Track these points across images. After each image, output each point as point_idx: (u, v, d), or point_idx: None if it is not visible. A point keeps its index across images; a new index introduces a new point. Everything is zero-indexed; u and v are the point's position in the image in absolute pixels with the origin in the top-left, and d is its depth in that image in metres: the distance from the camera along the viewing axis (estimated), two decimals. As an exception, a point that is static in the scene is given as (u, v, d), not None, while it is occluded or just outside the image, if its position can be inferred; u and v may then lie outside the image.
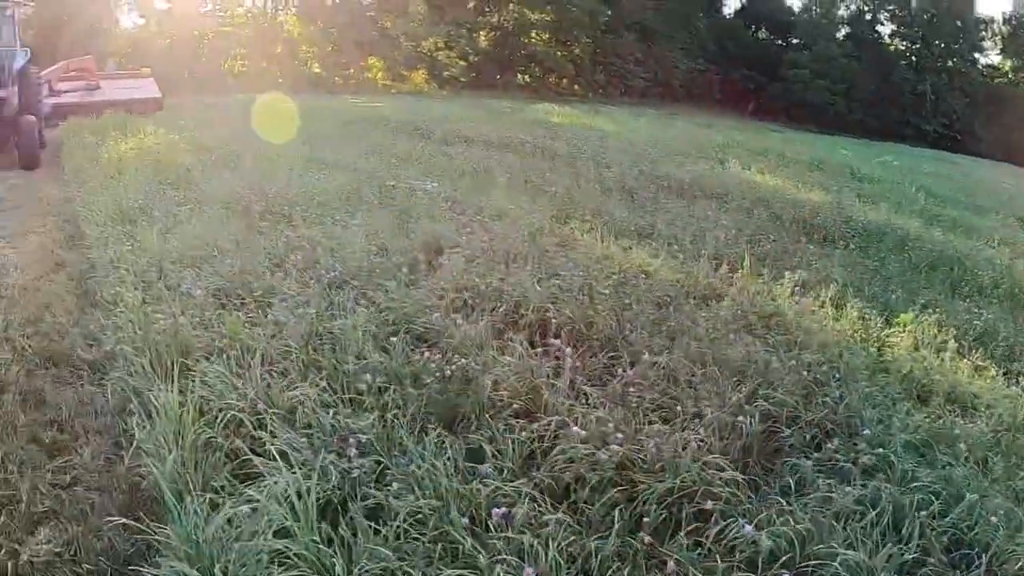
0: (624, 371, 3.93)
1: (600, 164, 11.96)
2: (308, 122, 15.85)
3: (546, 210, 7.92)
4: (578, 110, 25.86)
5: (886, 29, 47.08)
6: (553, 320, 4.54)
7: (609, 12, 41.10)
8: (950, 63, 44.94)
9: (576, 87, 42.45)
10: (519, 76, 41.61)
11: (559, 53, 41.27)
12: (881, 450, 3.42)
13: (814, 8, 46.64)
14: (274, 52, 35.53)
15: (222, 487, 2.98)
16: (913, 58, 45.32)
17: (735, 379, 4.00)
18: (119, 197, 7.61)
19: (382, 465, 3.09)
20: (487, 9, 41.02)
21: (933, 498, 3.14)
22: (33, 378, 4.44)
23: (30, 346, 4.79)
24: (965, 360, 5.01)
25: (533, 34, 41.89)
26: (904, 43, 46.33)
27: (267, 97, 20.28)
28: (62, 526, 3.14)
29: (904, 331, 5.35)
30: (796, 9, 48.07)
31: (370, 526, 2.72)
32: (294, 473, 2.84)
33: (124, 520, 2.96)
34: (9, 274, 6.23)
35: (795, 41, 46.20)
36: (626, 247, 6.63)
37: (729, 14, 50.30)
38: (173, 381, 3.52)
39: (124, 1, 34.68)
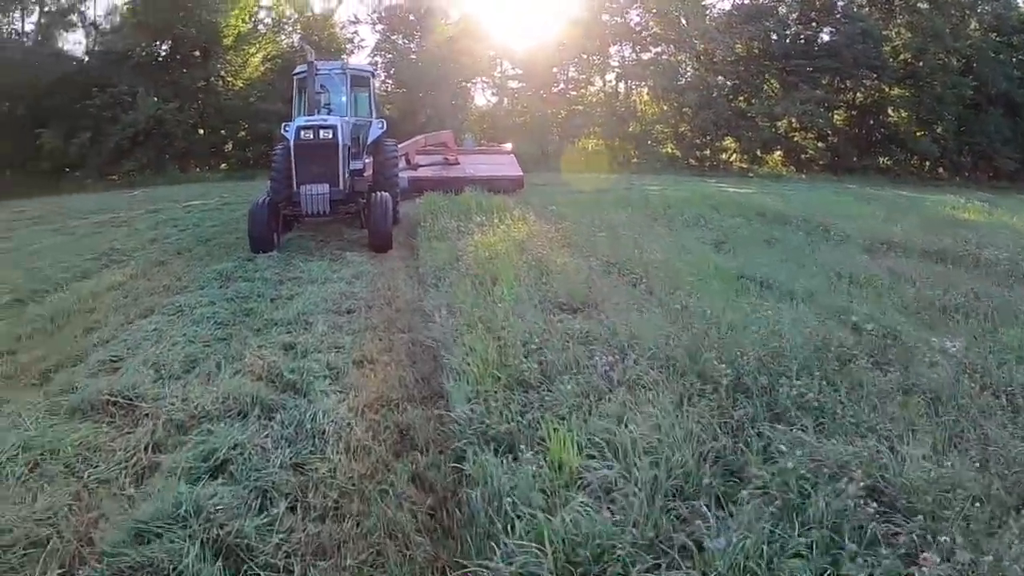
0: None
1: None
2: (685, 213, 13.22)
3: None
4: (976, 202, 19.93)
5: None
6: None
7: (974, 83, 33.75)
8: None
9: (940, 170, 35.86)
10: (880, 159, 36.13)
11: (920, 132, 34.95)
12: None
13: None
14: (627, 131, 34.61)
15: None
16: None
17: None
18: (492, 323, 5.47)
19: None
20: (842, 86, 36.26)
21: None
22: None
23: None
24: None
25: (891, 111, 36.50)
26: None
27: (631, 179, 18.42)
28: None
29: None
30: None
31: None
32: None
33: None
34: (327, 441, 4.14)
35: None
36: None
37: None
38: None
39: (479, 79, 36.44)
